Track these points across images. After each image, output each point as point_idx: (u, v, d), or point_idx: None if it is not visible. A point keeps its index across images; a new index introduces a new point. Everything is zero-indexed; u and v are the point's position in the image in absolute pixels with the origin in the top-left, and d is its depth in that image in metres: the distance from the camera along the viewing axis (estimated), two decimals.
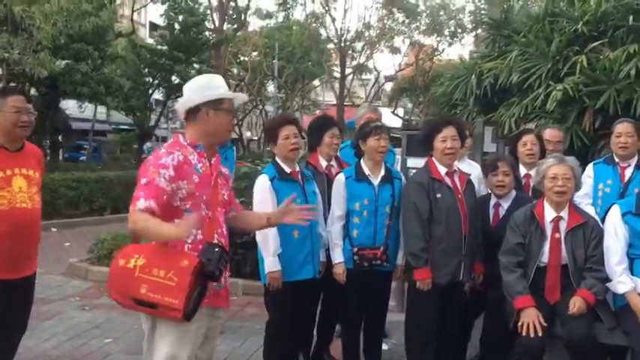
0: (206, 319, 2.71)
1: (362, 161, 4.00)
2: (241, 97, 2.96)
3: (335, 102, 30.56)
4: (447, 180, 3.81)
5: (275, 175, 3.67)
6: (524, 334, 3.36)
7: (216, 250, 2.58)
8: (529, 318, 3.37)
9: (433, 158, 3.88)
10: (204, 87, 2.75)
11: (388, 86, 35.57)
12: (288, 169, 3.73)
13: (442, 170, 3.82)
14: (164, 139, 34.38)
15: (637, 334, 3.24)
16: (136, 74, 17.50)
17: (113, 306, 5.82)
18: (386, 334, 4.59)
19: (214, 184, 2.75)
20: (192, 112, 2.72)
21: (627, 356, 4.19)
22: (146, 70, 17.67)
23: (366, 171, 3.94)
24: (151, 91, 17.90)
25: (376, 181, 3.92)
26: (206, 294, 2.58)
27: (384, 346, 4.52)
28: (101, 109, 24.82)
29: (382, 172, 3.95)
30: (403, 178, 4.08)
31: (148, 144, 23.42)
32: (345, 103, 29.07)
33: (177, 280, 2.43)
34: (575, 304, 3.38)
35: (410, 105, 34.27)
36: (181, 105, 2.77)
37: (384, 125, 4.13)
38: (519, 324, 3.40)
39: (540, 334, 3.33)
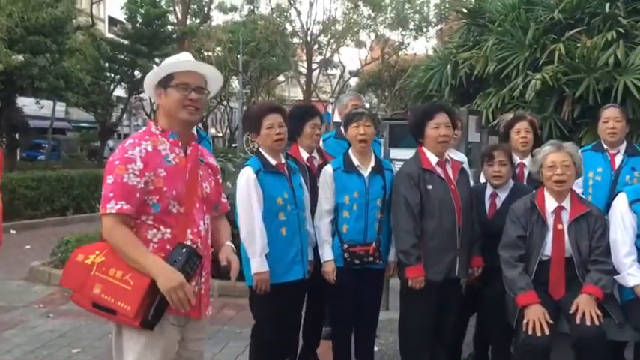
0: (176, 330, 2.41)
1: (350, 152, 3.75)
2: (202, 69, 2.50)
3: (300, 97, 30.33)
4: (439, 170, 3.59)
5: (260, 168, 3.39)
6: (529, 332, 3.16)
7: (184, 250, 2.32)
8: (534, 315, 3.18)
9: (423, 147, 3.65)
10: (158, 70, 2.49)
11: (353, 81, 35.50)
12: (273, 161, 3.46)
13: (433, 160, 3.60)
14: (126, 137, 33.80)
15: None
16: (97, 69, 16.89)
17: (80, 313, 5.47)
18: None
19: (191, 176, 2.43)
20: (155, 98, 2.54)
21: (624, 351, 4.11)
22: (107, 64, 17.07)
23: (355, 162, 3.69)
24: (112, 87, 17.31)
25: (366, 173, 3.67)
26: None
27: (374, 348, 4.29)
28: (60, 107, 24.09)
29: (372, 163, 3.71)
30: (394, 169, 3.84)
31: (111, 143, 22.79)
32: (312, 98, 28.85)
33: (133, 283, 2.22)
34: (580, 304, 3.17)
35: (375, 100, 34.26)
36: (146, 91, 2.57)
37: (365, 112, 3.88)
38: (524, 322, 3.20)
39: (547, 332, 3.14)
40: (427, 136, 3.60)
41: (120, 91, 19.13)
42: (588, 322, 3.11)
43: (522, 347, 3.24)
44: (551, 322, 3.18)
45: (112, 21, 37.42)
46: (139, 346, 2.33)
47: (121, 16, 19.06)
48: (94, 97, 16.16)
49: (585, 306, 3.16)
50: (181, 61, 2.49)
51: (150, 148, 2.36)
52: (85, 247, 2.41)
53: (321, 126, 4.11)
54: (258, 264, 3.31)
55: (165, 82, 2.43)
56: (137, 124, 30.43)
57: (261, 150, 3.51)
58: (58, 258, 6.90)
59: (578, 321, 3.13)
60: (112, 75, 17.10)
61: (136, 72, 16.77)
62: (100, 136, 18.07)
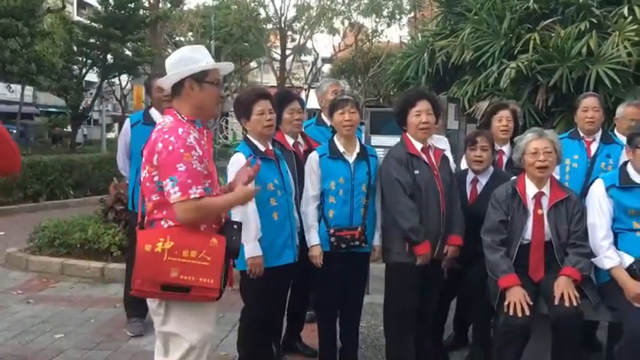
0: (214, 305, 2.64)
1: (335, 138, 3.80)
2: (227, 67, 2.79)
3: (274, 83, 30.17)
4: (424, 156, 3.67)
5: (251, 154, 3.41)
6: (510, 313, 3.27)
7: (235, 227, 2.55)
8: (515, 297, 3.29)
9: (407, 134, 3.72)
10: (185, 59, 2.59)
11: (327, 68, 35.45)
12: (262, 147, 3.49)
13: (418, 146, 3.67)
14: (96, 122, 33.23)
15: (625, 309, 3.20)
16: (68, 53, 16.52)
17: (60, 298, 5.53)
18: None
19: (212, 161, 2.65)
20: (177, 88, 2.60)
21: (596, 332, 4.28)
22: (79, 48, 16.72)
23: (341, 148, 3.74)
24: (84, 71, 16.96)
25: (351, 159, 3.73)
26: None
27: None
28: (27, 91, 23.57)
29: (357, 149, 3.77)
30: (378, 155, 3.90)
31: (85, 129, 22.40)
32: (286, 85, 28.74)
33: (210, 259, 2.40)
34: (559, 286, 3.28)
35: (349, 87, 34.27)
36: (164, 81, 2.65)
37: (350, 98, 3.92)
38: (505, 303, 3.31)
39: (527, 314, 3.25)
40: (409, 123, 3.66)
41: (91, 76, 18.76)
42: (567, 304, 3.22)
43: (503, 328, 3.35)
44: (531, 303, 3.29)
45: (81, 4, 36.68)
46: (194, 317, 2.50)
47: None
48: (65, 81, 15.82)
49: (564, 288, 3.27)
50: (219, 63, 2.69)
51: (196, 135, 2.51)
52: (145, 237, 2.45)
53: (301, 110, 4.10)
54: (251, 249, 3.33)
55: (200, 77, 2.56)
56: (107, 109, 29.94)
57: (249, 136, 3.53)
58: (35, 244, 6.81)
59: (557, 302, 3.24)
60: (84, 59, 16.75)
61: (109, 56, 16.46)
62: (72, 121, 17.71)
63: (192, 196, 2.39)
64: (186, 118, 2.55)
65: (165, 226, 2.47)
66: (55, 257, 6.50)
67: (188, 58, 2.58)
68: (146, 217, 2.55)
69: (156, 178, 2.47)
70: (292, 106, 4.00)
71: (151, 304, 2.57)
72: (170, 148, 2.42)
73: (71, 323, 4.86)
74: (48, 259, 6.52)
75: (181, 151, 2.41)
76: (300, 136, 4.20)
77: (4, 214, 10.42)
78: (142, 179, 2.56)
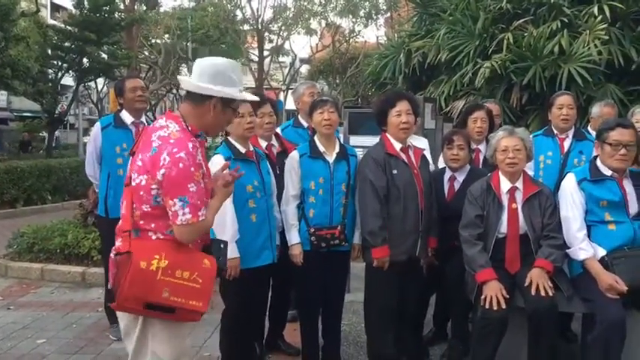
0: None
1: (316, 138, 3.86)
2: (253, 99, 2.76)
3: (252, 85, 30.09)
4: (403, 155, 3.75)
5: (230, 156, 3.46)
6: (487, 307, 3.36)
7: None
8: (492, 291, 3.38)
9: (387, 134, 3.79)
10: (224, 78, 2.47)
11: (305, 69, 35.47)
12: (242, 149, 3.53)
13: (397, 146, 3.74)
14: (72, 126, 32.86)
15: (598, 300, 3.30)
16: (43, 57, 16.35)
17: (42, 304, 5.51)
18: None
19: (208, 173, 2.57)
20: (198, 98, 2.46)
21: (571, 323, 4.39)
22: (54, 52, 16.55)
23: (321, 148, 3.80)
24: (59, 75, 16.79)
25: (331, 159, 3.79)
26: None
27: None
28: (1, 96, 23.25)
29: (337, 149, 3.83)
30: (358, 155, 3.96)
31: (57, 133, 22.14)
32: (264, 86, 28.71)
33: (202, 282, 2.33)
34: (533, 278, 3.38)
35: (327, 87, 34.34)
36: (190, 83, 2.47)
37: (329, 99, 3.99)
38: (482, 297, 3.40)
39: (504, 307, 3.35)
40: (389, 123, 3.73)
41: (67, 80, 18.58)
42: (542, 294, 3.32)
43: (481, 321, 3.43)
44: (507, 296, 3.38)
45: (55, 7, 36.25)
46: (169, 333, 2.42)
47: (65, 2, 18.42)
48: (40, 85, 15.65)
49: (538, 279, 3.38)
50: (250, 98, 2.70)
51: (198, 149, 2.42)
52: (140, 252, 2.31)
53: (272, 113, 4.09)
54: (229, 251, 3.35)
55: (227, 100, 2.48)
56: (84, 112, 29.68)
57: (230, 138, 3.57)
58: (14, 250, 6.76)
59: (533, 292, 3.34)
60: (59, 63, 16.58)
61: (84, 60, 16.31)
62: (48, 126, 17.51)
63: (201, 219, 2.34)
64: (190, 129, 2.44)
65: (154, 237, 2.38)
66: (34, 263, 6.48)
67: (227, 78, 2.47)
68: (132, 224, 2.41)
69: (154, 192, 2.34)
70: (262, 109, 3.97)
71: (127, 317, 2.47)
72: (181, 165, 2.28)
73: (53, 328, 4.85)
74: (28, 264, 6.48)
75: (192, 169, 2.30)
76: (274, 137, 4.25)
77: None
78: (134, 184, 2.39)
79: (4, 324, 4.95)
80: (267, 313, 4.11)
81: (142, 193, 2.37)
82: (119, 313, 2.49)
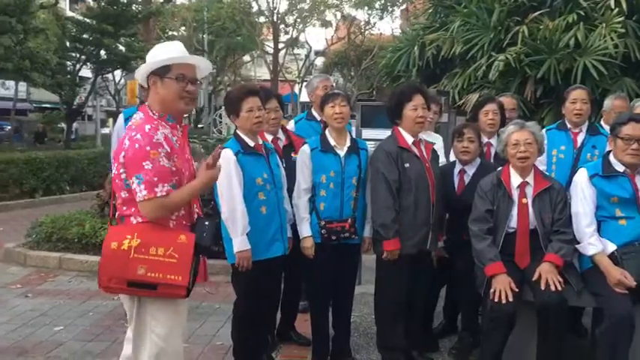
0: (186, 299, 2.63)
1: (327, 132, 3.90)
2: (195, 61, 2.67)
3: (267, 77, 30.18)
4: (414, 149, 3.78)
5: (239, 149, 3.50)
6: (496, 300, 3.39)
7: (207, 223, 2.54)
8: (501, 285, 3.40)
9: (399, 128, 3.82)
10: (153, 54, 2.61)
11: (319, 61, 35.45)
12: (251, 143, 3.57)
13: (409, 139, 3.77)
14: (90, 118, 33.17)
15: (607, 295, 3.31)
16: (62, 49, 16.53)
17: (58, 292, 5.62)
18: None
19: (189, 157, 2.65)
20: (148, 84, 2.60)
21: (582, 318, 4.40)
22: (72, 44, 16.73)
23: (332, 142, 3.84)
24: (78, 67, 16.97)
25: (342, 152, 3.82)
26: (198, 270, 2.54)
27: None
28: (21, 87, 23.52)
29: (348, 143, 3.86)
30: (369, 148, 4.00)
31: (74, 124, 22.37)
32: (279, 79, 28.77)
33: (178, 256, 2.40)
34: (542, 272, 3.39)
35: (342, 80, 34.31)
36: (137, 77, 2.65)
37: (341, 92, 4.02)
38: (491, 291, 3.42)
39: (512, 300, 3.37)
40: (405, 117, 3.76)
41: (85, 72, 18.76)
42: (552, 288, 3.34)
43: (490, 314, 3.46)
44: (516, 290, 3.40)
45: None
46: (166, 313, 2.52)
47: None
48: (59, 77, 15.83)
49: (547, 273, 3.39)
50: (179, 55, 2.60)
51: (166, 132, 2.51)
52: (112, 234, 2.46)
53: (278, 108, 4.16)
54: (240, 243, 3.42)
55: (162, 72, 2.55)
56: (101, 104, 29.93)
57: (239, 132, 3.61)
58: (33, 239, 6.91)
59: (543, 287, 3.35)
60: (77, 55, 16.76)
61: (102, 52, 16.47)
62: (67, 117, 17.73)
63: (159, 195, 2.41)
64: (156, 114, 2.55)
65: (134, 222, 2.49)
66: (53, 252, 6.61)
67: (155, 54, 2.60)
68: (117, 213, 2.56)
69: (123, 176, 2.48)
70: (269, 105, 4.01)
71: (124, 298, 2.60)
72: (137, 146, 2.42)
73: (70, 316, 4.96)
74: (46, 253, 6.62)
75: (148, 148, 2.41)
76: (280, 131, 4.29)
77: (1, 210, 10.48)
78: (112, 175, 2.58)
79: (23, 311, 5.07)
80: (280, 304, 4.18)
81: (117, 181, 2.52)
82: (122, 299, 2.62)
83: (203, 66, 2.71)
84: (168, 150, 2.47)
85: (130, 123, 2.57)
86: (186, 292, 2.44)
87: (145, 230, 2.44)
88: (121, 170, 2.48)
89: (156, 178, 2.40)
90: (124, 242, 2.39)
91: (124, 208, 2.52)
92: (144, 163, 2.40)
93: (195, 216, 2.65)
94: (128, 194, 2.48)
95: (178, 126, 2.63)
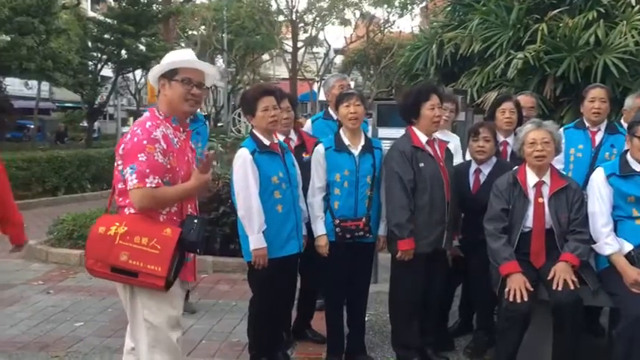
0: (179, 290, 2.73)
1: (341, 131, 3.91)
2: (204, 67, 2.78)
3: (285, 76, 30.25)
4: (429, 148, 3.78)
5: (255, 148, 3.54)
6: (510, 299, 3.38)
7: (196, 221, 2.61)
8: (515, 284, 3.39)
9: (414, 127, 3.82)
10: (165, 59, 2.75)
11: (339, 59, 35.44)
12: (267, 142, 3.60)
13: (423, 139, 3.78)
14: (111, 117, 33.59)
15: (623, 295, 3.28)
16: (84, 49, 16.79)
17: (79, 288, 5.71)
18: None
19: (188, 158, 2.75)
20: (158, 87, 2.74)
21: (600, 318, 4.36)
22: (93, 44, 16.98)
23: (346, 141, 3.85)
24: (99, 67, 17.22)
25: (356, 152, 3.83)
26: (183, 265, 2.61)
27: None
28: (43, 87, 23.86)
29: (362, 142, 3.87)
30: (383, 147, 4.01)
31: (96, 123, 22.67)
32: (298, 77, 28.83)
33: (160, 247, 2.47)
34: (557, 271, 3.36)
35: (361, 78, 34.26)
36: (150, 78, 2.81)
37: (355, 92, 4.03)
38: (506, 290, 3.41)
39: (527, 299, 3.36)
40: (423, 116, 3.77)
41: (106, 71, 19.04)
42: (561, 287, 3.31)
43: (505, 313, 3.45)
44: (531, 289, 3.39)
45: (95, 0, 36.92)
46: (157, 302, 2.60)
47: None
48: (81, 77, 16.07)
49: (563, 273, 3.37)
50: (186, 59, 2.73)
51: (165, 130, 2.61)
52: (102, 220, 2.59)
53: (289, 109, 4.19)
54: (256, 241, 3.46)
55: (170, 75, 2.68)
56: (122, 103, 30.28)
57: (255, 131, 3.65)
58: (54, 237, 7.04)
59: (559, 287, 3.33)
60: (99, 55, 17.00)
61: (123, 52, 16.68)
62: (88, 116, 18.00)
63: (149, 185, 2.49)
64: (162, 115, 2.68)
65: (127, 213, 2.59)
66: (74, 249, 6.73)
67: (166, 58, 2.75)
68: (116, 204, 2.67)
69: (120, 167, 2.59)
70: (281, 105, 3.97)
71: (118, 287, 2.68)
72: (135, 139, 2.54)
73: (90, 312, 5.04)
74: (67, 251, 6.73)
75: (144, 142, 2.52)
76: (292, 131, 4.32)
77: (24, 208, 10.49)
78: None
79: (44, 307, 5.17)
80: (296, 302, 4.20)
81: (116, 172, 2.64)
82: (117, 288, 2.70)
83: (211, 73, 2.83)
84: (165, 147, 2.57)
85: (136, 120, 2.72)
86: (166, 283, 2.49)
87: (134, 220, 2.54)
88: (119, 162, 2.60)
89: (148, 170, 2.50)
90: (111, 228, 2.50)
91: (120, 199, 2.63)
92: (139, 155, 2.51)
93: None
94: (124, 185, 2.58)
95: (181, 129, 2.73)
